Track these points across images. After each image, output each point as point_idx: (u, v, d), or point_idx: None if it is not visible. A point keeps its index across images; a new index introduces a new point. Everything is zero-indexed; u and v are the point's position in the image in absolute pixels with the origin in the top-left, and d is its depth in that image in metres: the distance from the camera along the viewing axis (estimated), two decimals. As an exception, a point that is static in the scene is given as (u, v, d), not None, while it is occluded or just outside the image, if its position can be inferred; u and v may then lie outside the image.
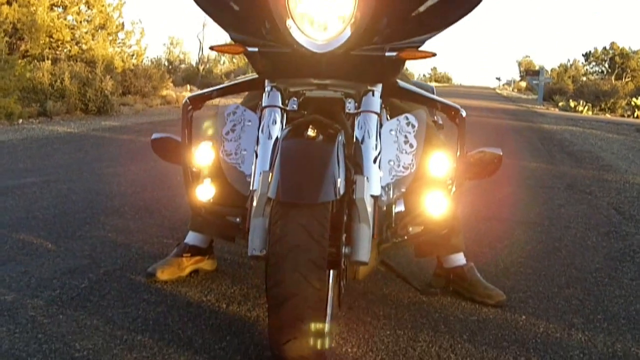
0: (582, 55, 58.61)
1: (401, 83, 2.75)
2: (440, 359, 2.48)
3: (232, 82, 2.82)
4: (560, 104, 27.77)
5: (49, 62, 13.56)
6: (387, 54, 2.35)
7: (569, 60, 60.41)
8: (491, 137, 11.24)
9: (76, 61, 15.22)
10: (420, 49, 2.44)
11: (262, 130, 2.44)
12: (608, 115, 25.38)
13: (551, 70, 52.86)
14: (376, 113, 2.46)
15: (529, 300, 3.18)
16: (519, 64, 71.87)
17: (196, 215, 2.94)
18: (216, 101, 2.92)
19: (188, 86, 21.50)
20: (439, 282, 3.21)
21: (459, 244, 3.15)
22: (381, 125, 2.51)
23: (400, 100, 2.84)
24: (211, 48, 2.48)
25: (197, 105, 2.72)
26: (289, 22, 2.25)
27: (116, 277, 3.16)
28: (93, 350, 2.38)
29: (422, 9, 2.35)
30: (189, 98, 2.71)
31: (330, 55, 2.30)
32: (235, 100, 3.13)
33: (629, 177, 7.67)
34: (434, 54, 2.42)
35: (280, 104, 2.47)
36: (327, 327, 2.18)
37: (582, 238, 4.48)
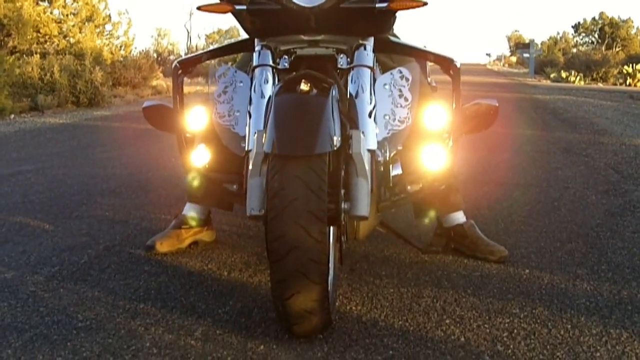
0: (572, 27, 58.47)
1: (392, 38, 2.72)
2: (446, 312, 2.47)
3: (222, 45, 2.79)
4: (552, 75, 27.77)
5: (38, 56, 13.47)
6: (377, 5, 2.32)
7: (558, 33, 60.25)
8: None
9: (65, 55, 15.12)
10: None
11: (254, 90, 2.41)
12: (600, 85, 25.35)
13: (541, 44, 52.77)
14: (369, 67, 2.43)
15: (531, 255, 3.16)
16: (509, 39, 71.76)
17: (192, 184, 2.92)
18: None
19: (178, 75, 21.41)
20: (439, 241, 3.19)
21: (458, 202, 3.13)
22: (374, 80, 2.48)
23: (392, 53, 2.81)
24: (199, 8, 2.43)
25: (187, 70, 2.69)
26: None
27: (116, 251, 3.13)
28: (96, 320, 2.36)
29: None
30: (178, 62, 2.68)
31: (320, 9, 2.27)
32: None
33: (625, 139, 7.65)
34: (425, 3, 2.39)
35: (271, 63, 2.44)
36: (330, 281, 2.16)
37: (581, 197, 4.46)
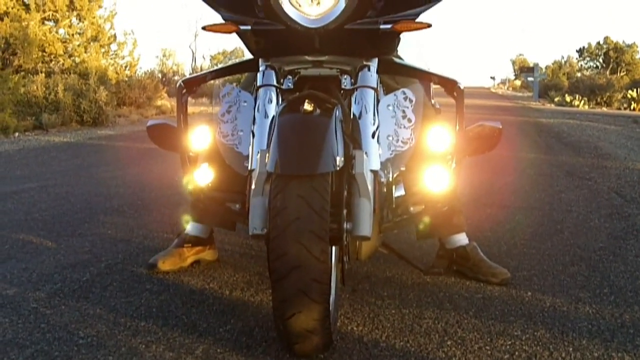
0: (576, 51, 58.53)
1: (396, 59, 2.73)
2: (447, 333, 2.46)
3: (227, 65, 2.80)
4: (556, 99, 27.81)
5: (43, 75, 13.54)
6: (381, 26, 2.34)
7: (563, 57, 60.33)
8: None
9: (70, 74, 15.20)
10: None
11: (258, 109, 2.42)
12: (604, 109, 25.41)
13: (546, 68, 52.90)
14: (373, 88, 2.44)
15: (533, 278, 3.15)
16: (513, 63, 71.85)
17: (196, 204, 2.93)
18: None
19: (183, 96, 21.49)
20: (442, 263, 3.18)
21: (461, 224, 3.13)
22: (378, 101, 2.49)
23: (396, 75, 2.82)
24: (204, 28, 2.45)
25: (192, 89, 2.71)
26: None
27: (118, 269, 3.14)
28: (97, 337, 2.36)
29: None
30: (183, 81, 2.69)
31: (324, 30, 2.29)
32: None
33: (629, 163, 7.65)
34: (429, 25, 2.41)
35: (275, 83, 2.46)
36: (332, 301, 2.15)
37: (584, 220, 4.46)
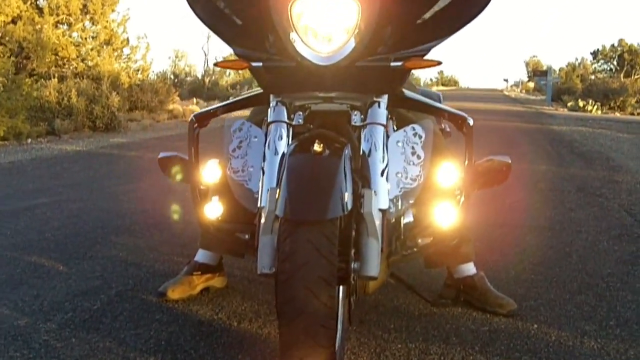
0: (590, 53, 58.27)
1: (407, 93, 2.74)
2: (453, 371, 2.48)
3: (237, 99, 2.82)
4: (569, 104, 27.67)
5: (56, 80, 13.63)
6: (392, 64, 2.35)
7: (576, 59, 59.96)
8: (502, 141, 11.25)
9: (82, 78, 15.27)
10: (425, 57, 2.44)
11: (268, 146, 2.44)
12: (617, 114, 25.30)
13: (559, 70, 52.63)
14: (382, 125, 2.45)
15: (540, 308, 3.17)
16: (527, 64, 71.59)
17: (205, 233, 2.96)
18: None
19: (194, 99, 21.58)
20: (449, 292, 3.20)
21: (469, 253, 3.14)
22: (388, 137, 2.50)
23: (406, 109, 2.83)
24: (215, 64, 2.48)
25: (203, 123, 2.73)
26: (293, 36, 2.25)
27: (128, 297, 3.17)
28: (106, 373, 2.39)
29: (427, 16, 2.35)
30: (194, 116, 2.72)
31: (335, 67, 2.30)
32: (244, 113, 3.12)
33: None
34: (439, 63, 2.42)
35: (285, 119, 2.47)
36: (338, 343, 2.17)
37: (593, 242, 4.46)
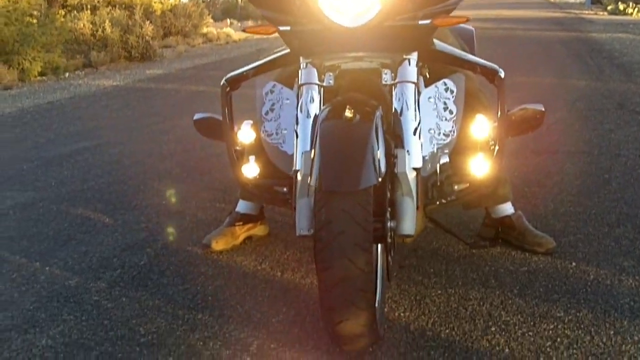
0: (631, -51, 56.03)
1: (438, 45, 2.73)
2: (492, 317, 2.54)
3: (267, 59, 2.83)
4: (609, 7, 26.86)
5: (89, 11, 13.62)
6: (420, 22, 2.34)
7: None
8: (538, 52, 11.07)
9: (114, 7, 15.22)
10: (453, 13, 2.43)
11: (300, 109, 2.46)
12: (660, 16, 24.52)
13: (598, -31, 50.95)
14: (413, 82, 2.46)
15: (578, 244, 3.19)
16: (565, -35, 69.39)
17: (244, 186, 3.01)
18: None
19: (228, 20, 21.38)
20: (487, 232, 3.24)
21: (507, 194, 3.16)
22: (419, 93, 2.51)
23: (437, 63, 2.81)
24: (244, 30, 2.50)
25: (235, 86, 2.76)
26: None
27: (173, 250, 3.26)
28: (157, 333, 2.49)
29: None
30: (226, 80, 2.74)
31: (363, 28, 2.30)
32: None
33: (685, 90, 7.47)
34: (467, 19, 2.42)
35: (316, 81, 2.49)
36: (377, 303, 2.24)
37: (632, 167, 4.43)
